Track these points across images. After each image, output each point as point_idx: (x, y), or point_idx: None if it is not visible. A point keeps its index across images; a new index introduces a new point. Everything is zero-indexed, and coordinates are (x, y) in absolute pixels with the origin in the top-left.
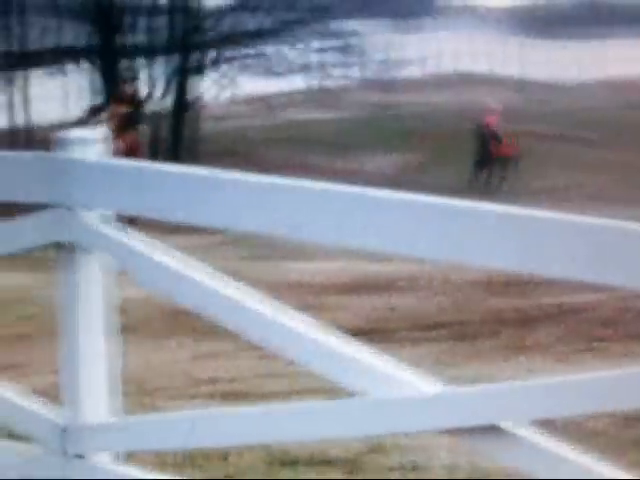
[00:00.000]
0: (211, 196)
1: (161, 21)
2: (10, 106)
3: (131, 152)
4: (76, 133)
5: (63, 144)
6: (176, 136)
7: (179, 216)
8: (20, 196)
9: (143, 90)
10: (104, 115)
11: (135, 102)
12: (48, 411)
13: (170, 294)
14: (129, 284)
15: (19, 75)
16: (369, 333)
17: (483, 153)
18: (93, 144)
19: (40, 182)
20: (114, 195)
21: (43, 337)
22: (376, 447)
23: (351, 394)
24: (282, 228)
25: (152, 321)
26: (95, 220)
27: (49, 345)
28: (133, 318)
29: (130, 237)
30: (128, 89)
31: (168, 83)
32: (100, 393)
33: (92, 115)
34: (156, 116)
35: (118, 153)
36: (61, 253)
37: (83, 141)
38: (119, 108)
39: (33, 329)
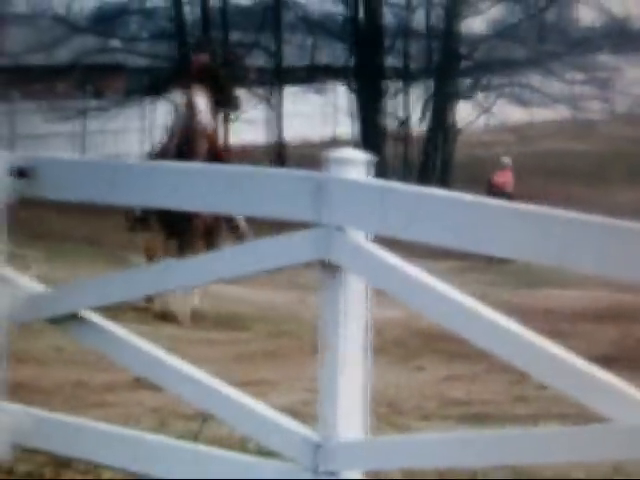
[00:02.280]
0: (479, 223)
1: (417, 45)
2: (266, 122)
3: (212, 156)
4: (344, 153)
5: (331, 163)
6: (429, 161)
7: (446, 241)
8: (283, 214)
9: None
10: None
11: (217, 79)
12: (301, 428)
13: (430, 314)
14: (385, 305)
15: (274, 91)
16: (618, 361)
17: None
18: (361, 164)
19: (307, 200)
20: (382, 217)
21: (295, 354)
22: (619, 471)
23: (598, 420)
24: (549, 257)
25: (406, 342)
26: (362, 240)
27: (300, 362)
28: (388, 339)
29: (393, 259)
30: (198, 60)
31: (424, 107)
32: (355, 412)
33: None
34: (408, 138)
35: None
36: (324, 271)
37: (351, 161)
38: (191, 89)
39: (285, 346)
